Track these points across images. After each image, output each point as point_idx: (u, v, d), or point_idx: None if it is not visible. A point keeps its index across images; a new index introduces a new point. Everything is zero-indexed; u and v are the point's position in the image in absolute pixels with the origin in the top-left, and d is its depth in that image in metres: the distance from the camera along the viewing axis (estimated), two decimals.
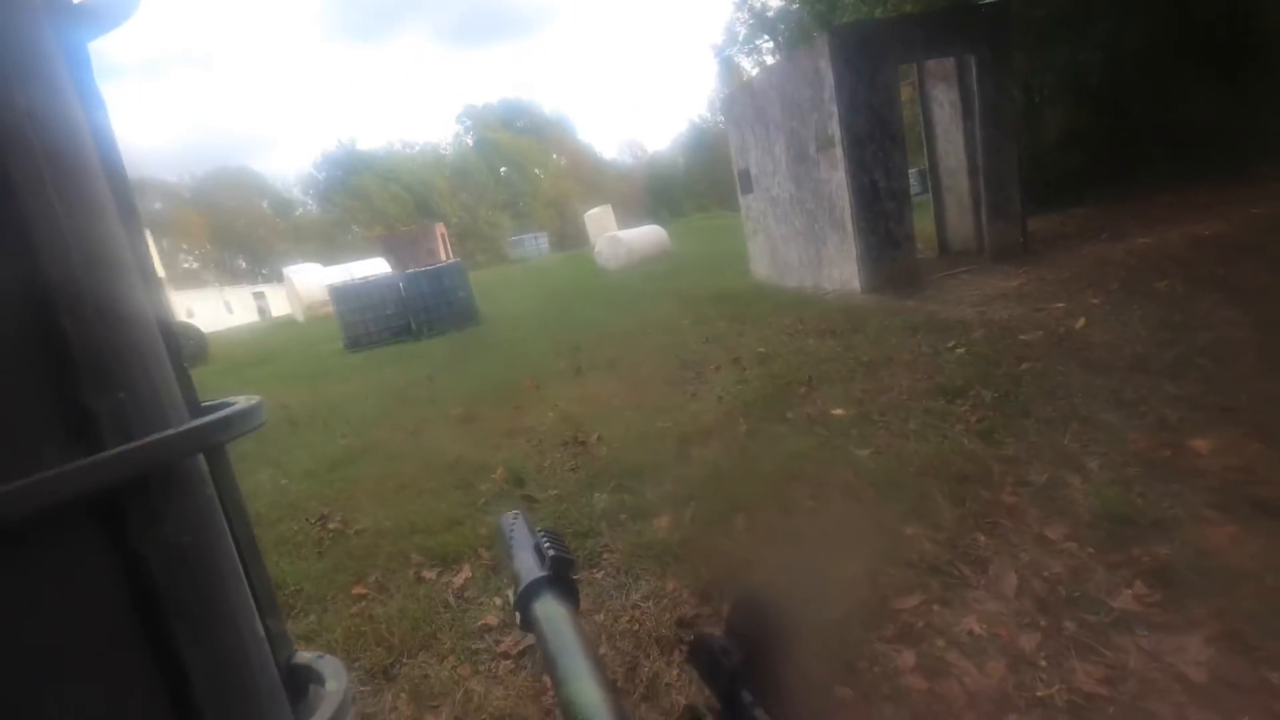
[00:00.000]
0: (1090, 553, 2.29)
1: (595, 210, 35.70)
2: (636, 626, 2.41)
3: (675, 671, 2.14)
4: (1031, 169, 9.20)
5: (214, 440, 0.59)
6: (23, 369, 0.47)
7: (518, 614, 0.53)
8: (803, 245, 9.73)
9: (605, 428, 4.86)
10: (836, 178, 8.40)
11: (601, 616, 2.53)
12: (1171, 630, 1.88)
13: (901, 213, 8.31)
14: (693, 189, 39.41)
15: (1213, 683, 1.68)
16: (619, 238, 23.54)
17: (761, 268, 11.42)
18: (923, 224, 9.49)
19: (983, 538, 2.50)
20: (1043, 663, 1.84)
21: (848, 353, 5.63)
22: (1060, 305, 5.78)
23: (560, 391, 6.31)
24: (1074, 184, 11.53)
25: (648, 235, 25.03)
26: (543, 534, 0.57)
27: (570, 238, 41.89)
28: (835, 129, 8.16)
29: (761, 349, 6.36)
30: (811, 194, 9.15)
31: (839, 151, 8.19)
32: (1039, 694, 1.74)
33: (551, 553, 0.54)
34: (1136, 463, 2.83)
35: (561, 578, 0.54)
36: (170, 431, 0.58)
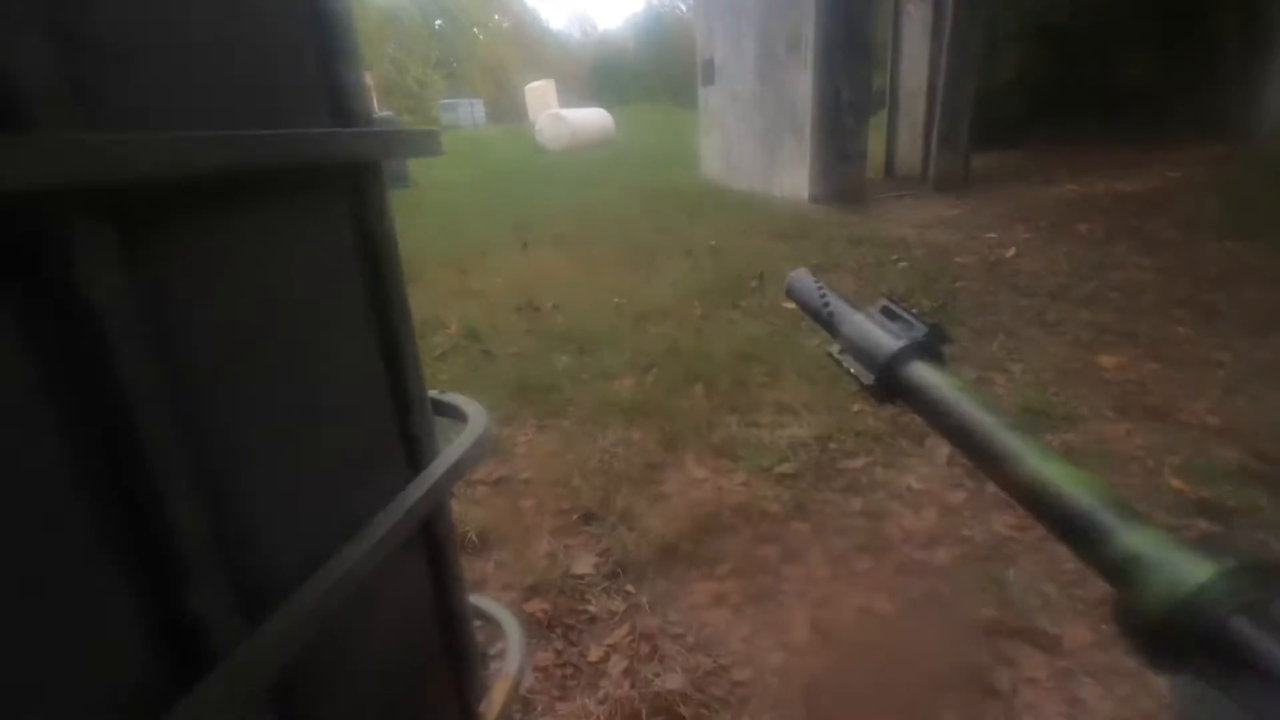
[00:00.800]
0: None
1: (537, 84, 33.68)
2: (608, 466, 2.60)
3: (645, 503, 2.36)
4: (979, 105, 9.45)
5: (414, 147, 0.66)
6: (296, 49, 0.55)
7: (874, 384, 0.50)
8: (757, 147, 9.70)
9: (560, 297, 4.91)
10: (802, 82, 8.32)
11: (571, 457, 2.70)
12: None
13: (859, 128, 8.41)
14: (642, 77, 37.72)
15: None
16: (563, 116, 22.47)
17: (713, 166, 11.34)
18: (873, 144, 9.64)
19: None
20: (967, 513, 2.17)
21: (797, 255, 5.83)
22: (993, 236, 6.16)
23: (508, 262, 6.25)
24: (1016, 126, 11.94)
25: (593, 118, 24.00)
26: (880, 304, 0.53)
27: (507, 110, 39.52)
28: (809, 30, 8.01)
29: (713, 243, 6.47)
30: (774, 95, 9.05)
31: (809, 56, 8.09)
32: (963, 534, 2.07)
33: (917, 319, 0.50)
34: (1053, 371, 3.20)
35: (934, 345, 0.50)
36: (394, 130, 0.65)
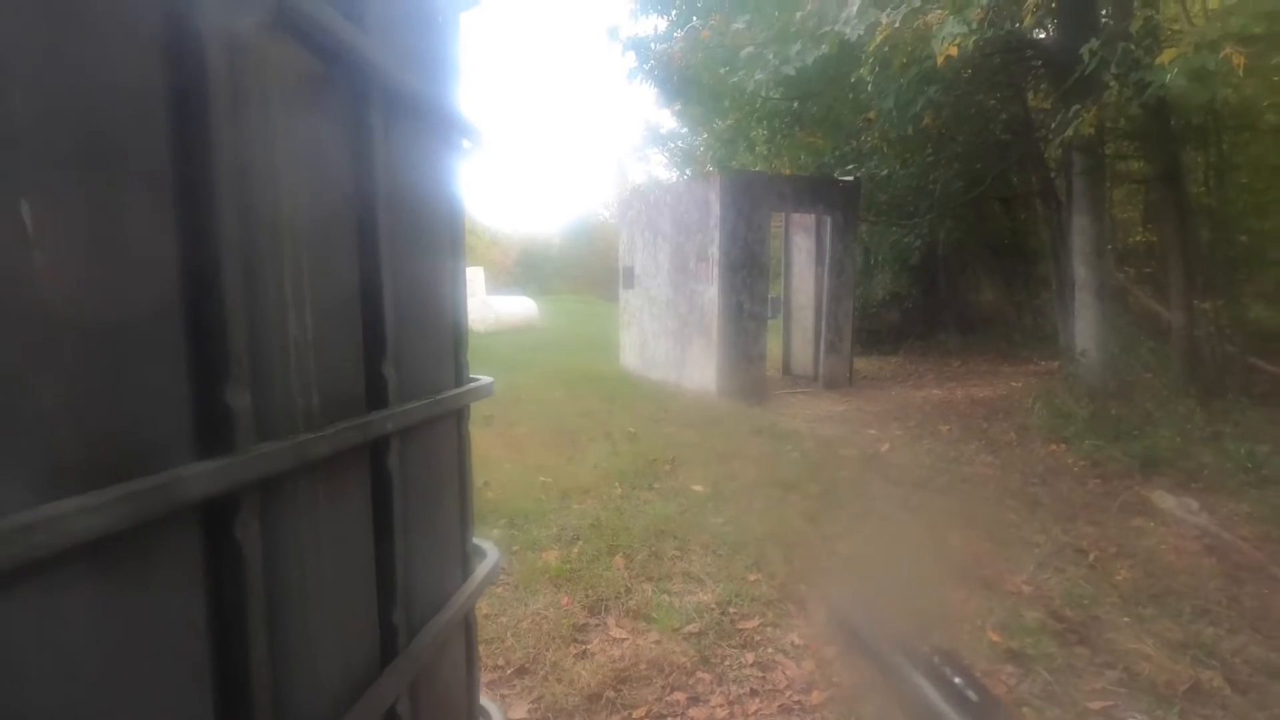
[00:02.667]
0: (874, 600, 3.18)
1: (467, 270, 35.82)
2: (538, 627, 2.93)
3: (571, 659, 2.70)
4: (862, 318, 11.15)
5: (482, 393, 1.24)
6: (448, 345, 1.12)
7: None
8: (671, 344, 10.86)
9: (489, 475, 5.31)
10: (710, 292, 9.67)
11: (505, 619, 3.02)
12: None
13: (759, 333, 9.70)
14: (565, 270, 40.75)
15: None
16: (489, 302, 23.94)
17: (630, 358, 12.42)
18: (772, 346, 11.01)
19: (804, 586, 3.34)
20: (838, 663, 2.64)
21: (704, 442, 6.54)
22: (872, 432, 7.14)
23: None
24: (892, 336, 13.90)
25: (517, 305, 25.65)
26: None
27: None
28: (715, 252, 9.50)
29: (631, 429, 7.13)
30: (686, 301, 10.37)
31: (715, 271, 9.51)
32: (834, 680, 2.53)
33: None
34: (912, 548, 3.86)
35: None
36: (478, 384, 1.24)
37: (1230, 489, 4.65)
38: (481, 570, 1.21)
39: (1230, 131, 7.87)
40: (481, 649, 2.76)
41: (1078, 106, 4.84)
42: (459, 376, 1.16)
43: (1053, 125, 5.83)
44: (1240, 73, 3.64)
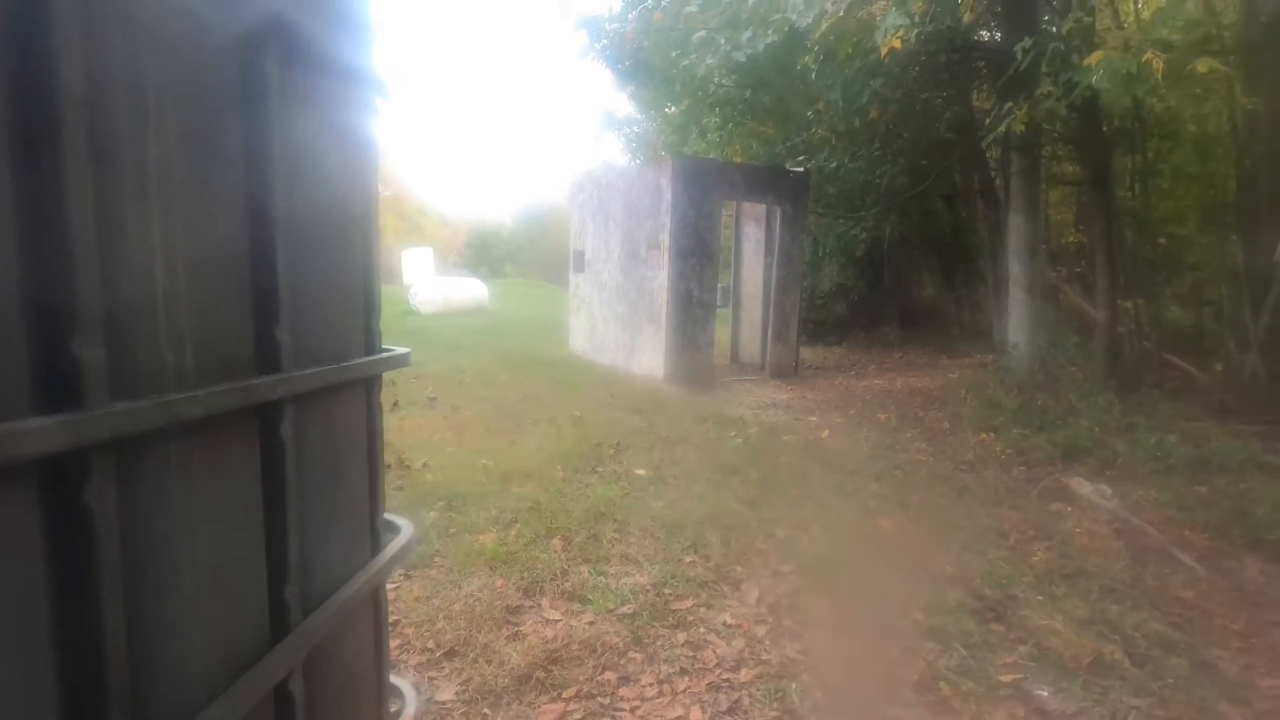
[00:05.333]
0: (806, 581, 3.26)
1: (415, 250, 35.05)
2: (470, 609, 2.90)
3: (503, 640, 2.67)
4: (809, 308, 11.37)
5: (397, 363, 1.19)
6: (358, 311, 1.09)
7: None
8: (620, 329, 10.84)
9: (429, 457, 5.22)
10: (659, 279, 9.68)
11: (437, 602, 2.97)
12: (847, 621, 2.85)
13: (707, 320, 9.77)
14: (517, 254, 40.24)
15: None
16: (438, 283, 23.47)
17: (579, 342, 12.35)
18: (720, 334, 11.12)
19: (739, 568, 3.39)
20: (767, 641, 2.69)
21: (650, 428, 6.56)
22: (814, 419, 7.29)
23: None
24: (837, 327, 14.19)
25: (467, 288, 25.22)
26: None
27: (381, 272, 40.07)
28: (665, 238, 9.50)
29: (576, 413, 7.10)
30: (636, 287, 10.36)
31: (665, 257, 9.52)
32: (763, 658, 2.57)
33: None
34: (845, 531, 3.95)
35: None
36: (390, 354, 1.19)
37: (1140, 476, 4.93)
38: (393, 547, 1.17)
39: (1155, 139, 8.27)
40: (411, 631, 2.72)
41: (1010, 104, 5.01)
42: (369, 345, 1.11)
43: (986, 122, 6.05)
44: (1160, 77, 3.83)
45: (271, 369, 0.83)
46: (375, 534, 1.15)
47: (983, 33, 8.51)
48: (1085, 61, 3.98)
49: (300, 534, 0.89)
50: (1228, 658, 2.86)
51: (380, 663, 1.19)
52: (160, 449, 0.66)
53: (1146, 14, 7.68)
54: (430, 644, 2.64)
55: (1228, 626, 3.13)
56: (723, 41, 5.67)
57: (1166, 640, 2.88)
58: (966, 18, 4.35)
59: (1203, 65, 4.00)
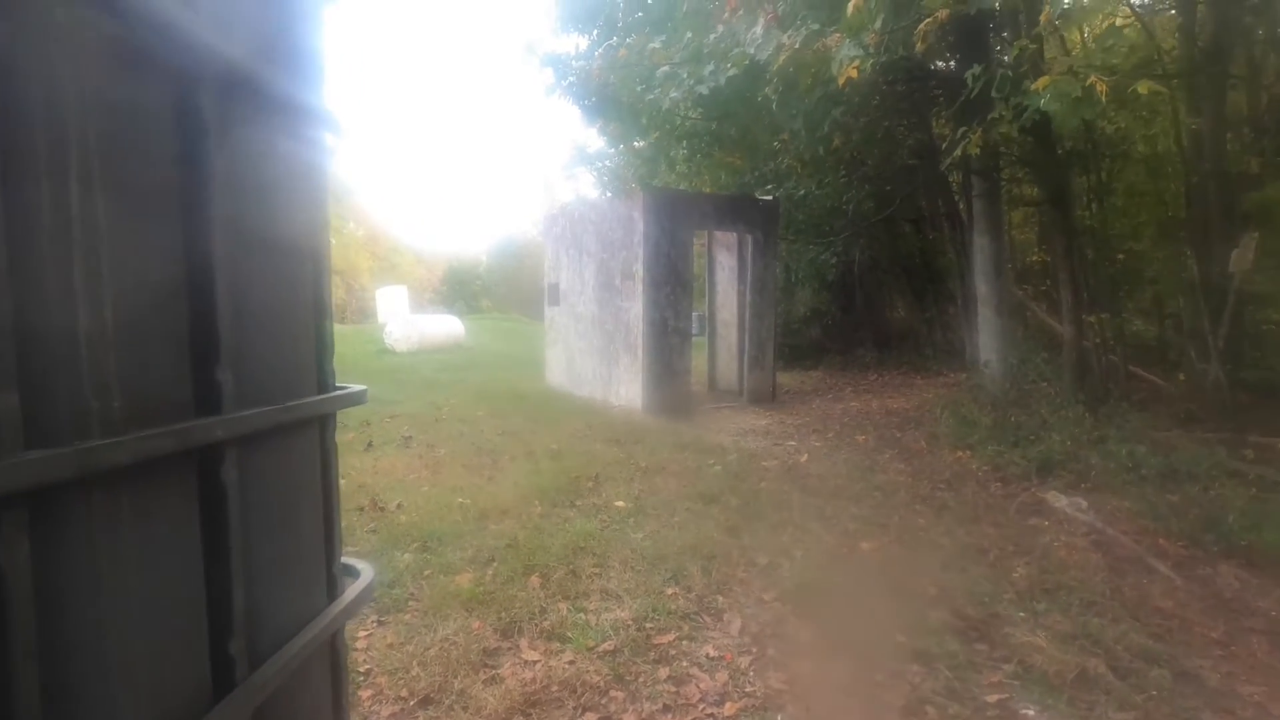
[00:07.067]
0: (789, 608, 3.21)
1: (389, 289, 34.89)
2: (446, 654, 2.81)
3: (480, 685, 2.59)
4: (784, 334, 11.46)
5: (351, 401, 1.17)
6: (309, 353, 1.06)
7: None
8: (597, 361, 10.82)
9: (404, 497, 5.11)
10: (635, 309, 9.71)
11: (411, 648, 2.88)
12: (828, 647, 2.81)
13: (684, 349, 9.79)
14: (493, 289, 40.22)
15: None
16: (413, 320, 23.31)
17: (556, 375, 12.30)
18: (697, 362, 11.15)
19: (721, 598, 3.34)
20: (751, 673, 2.64)
21: (629, 458, 6.51)
22: (793, 444, 7.30)
23: (352, 463, 6.34)
24: (813, 352, 14.33)
25: (443, 324, 25.08)
26: None
27: (355, 311, 39.79)
28: (639, 269, 9.56)
29: (554, 446, 7.03)
30: (612, 318, 10.37)
31: (640, 288, 9.56)
32: (747, 690, 2.52)
33: None
34: (826, 555, 3.93)
35: None
36: (344, 392, 1.15)
37: (1114, 487, 4.98)
38: (351, 591, 1.13)
39: (1108, 159, 8.55)
40: (384, 680, 2.63)
41: (965, 129, 5.16)
42: (322, 383, 1.09)
43: (943, 147, 6.22)
44: (1104, 99, 3.98)
45: (212, 410, 0.80)
46: (332, 579, 1.11)
47: (939, 62, 8.80)
48: (1033, 86, 4.13)
49: (246, 582, 0.85)
50: (1209, 666, 2.87)
51: (338, 711, 1.13)
52: (81, 498, 0.63)
53: (1093, 42, 8.03)
54: (404, 693, 2.55)
55: (1207, 635, 3.14)
56: (685, 75, 5.79)
57: (1148, 652, 2.88)
58: (919, 47, 4.49)
59: (1143, 87, 4.17)
